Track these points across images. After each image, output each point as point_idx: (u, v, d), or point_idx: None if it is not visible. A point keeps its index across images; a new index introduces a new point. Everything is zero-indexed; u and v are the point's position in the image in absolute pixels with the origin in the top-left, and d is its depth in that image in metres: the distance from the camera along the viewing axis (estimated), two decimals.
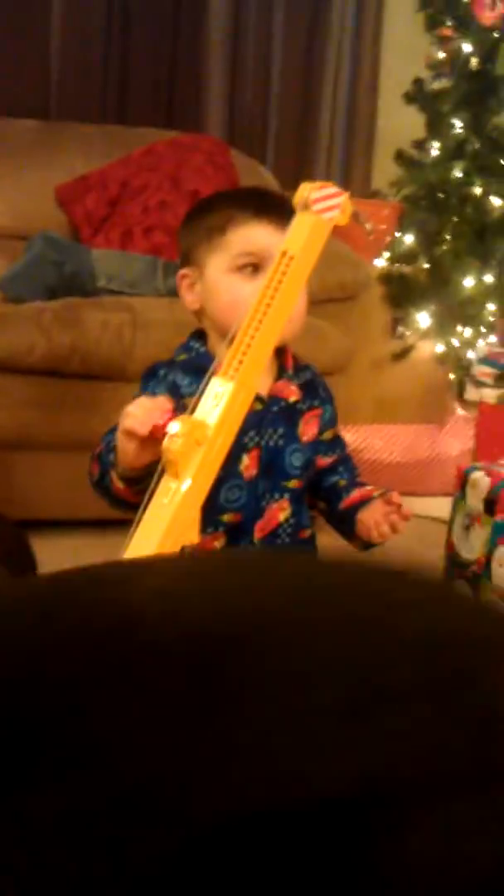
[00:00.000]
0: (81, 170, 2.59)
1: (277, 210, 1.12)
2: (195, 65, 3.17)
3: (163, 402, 0.98)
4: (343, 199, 0.95)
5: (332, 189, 0.95)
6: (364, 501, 1.21)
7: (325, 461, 1.27)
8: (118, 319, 1.98)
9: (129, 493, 1.08)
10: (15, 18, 2.93)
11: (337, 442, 1.30)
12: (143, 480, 0.96)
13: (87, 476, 1.93)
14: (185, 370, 1.18)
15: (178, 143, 2.62)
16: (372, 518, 1.18)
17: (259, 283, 1.08)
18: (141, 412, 0.97)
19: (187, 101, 3.17)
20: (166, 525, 0.87)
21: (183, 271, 1.21)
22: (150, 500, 0.89)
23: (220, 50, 3.18)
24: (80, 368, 1.95)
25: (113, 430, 1.15)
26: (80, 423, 1.97)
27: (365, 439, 2.22)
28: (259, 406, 1.18)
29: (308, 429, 1.23)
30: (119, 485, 1.07)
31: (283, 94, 3.29)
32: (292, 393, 1.22)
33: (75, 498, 2.00)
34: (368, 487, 1.24)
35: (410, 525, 1.19)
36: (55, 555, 1.36)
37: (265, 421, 1.19)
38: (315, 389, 1.26)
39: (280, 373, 1.23)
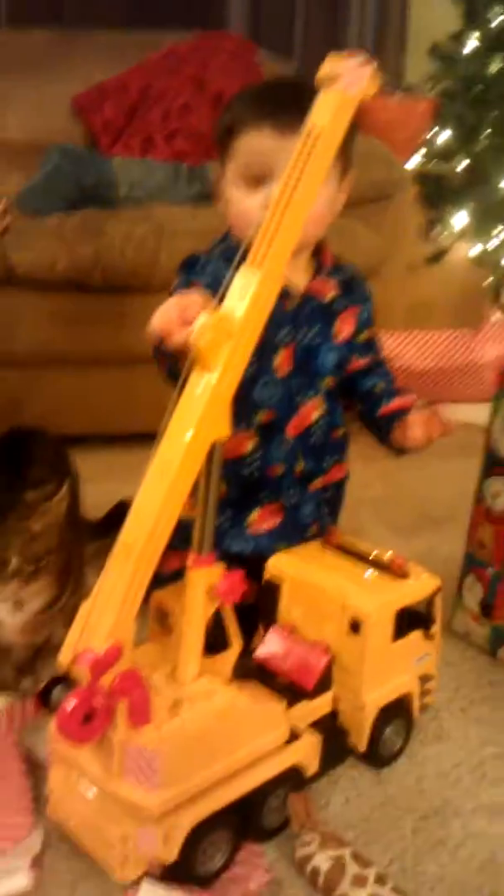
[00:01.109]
0: (99, 78, 2.49)
1: (289, 111, 1.03)
2: None
3: (190, 301, 0.95)
4: (370, 69, 0.90)
5: (359, 59, 0.89)
6: (404, 410, 1.19)
7: (360, 362, 1.24)
8: (141, 230, 1.94)
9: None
10: None
11: (372, 344, 1.27)
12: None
13: (112, 389, 1.92)
14: (226, 259, 1.13)
15: (201, 43, 2.50)
16: (412, 424, 1.16)
17: (265, 194, 1.04)
18: (160, 315, 0.95)
19: (208, 1, 3.04)
20: (198, 418, 0.86)
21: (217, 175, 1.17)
22: (180, 393, 0.88)
23: None
24: (103, 281, 1.92)
25: None
26: (107, 338, 1.95)
27: (397, 345, 2.17)
28: (295, 303, 1.16)
29: (344, 327, 1.20)
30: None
31: None
32: (329, 290, 1.19)
33: (104, 413, 2.00)
34: (410, 396, 1.22)
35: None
36: (91, 469, 1.37)
37: (300, 318, 1.16)
38: (353, 288, 1.22)
39: (318, 270, 1.19)
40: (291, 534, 1.19)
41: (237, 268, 0.92)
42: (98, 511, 1.39)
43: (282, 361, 1.16)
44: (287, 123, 1.03)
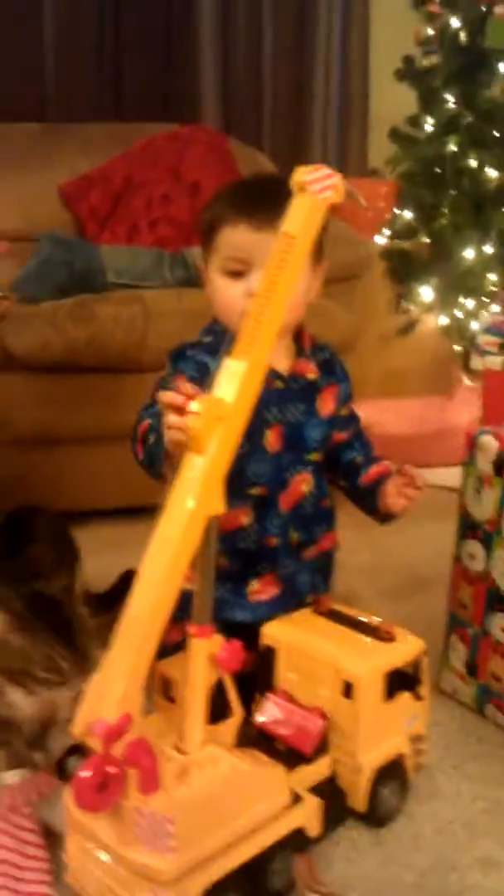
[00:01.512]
0: (83, 168, 2.63)
1: (263, 209, 1.14)
2: (188, 57, 3.20)
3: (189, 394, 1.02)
4: (336, 179, 1.00)
5: (325, 171, 0.99)
6: (382, 477, 1.28)
7: (341, 436, 1.33)
8: (130, 312, 2.03)
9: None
10: (6, 21, 2.97)
11: (352, 417, 1.36)
12: None
13: (108, 465, 1.98)
14: (210, 352, 1.23)
15: (177, 135, 2.66)
16: (389, 492, 1.25)
17: (245, 284, 1.16)
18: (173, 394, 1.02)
19: (182, 93, 3.21)
20: (194, 497, 0.92)
21: (201, 262, 1.27)
22: (177, 477, 0.95)
23: (211, 41, 3.21)
24: (96, 362, 2.01)
25: (147, 408, 1.21)
26: (101, 416, 2.03)
27: (375, 413, 2.26)
28: (280, 384, 1.24)
29: (326, 405, 1.29)
30: (171, 473, 1.12)
31: (275, 80, 3.32)
32: (311, 371, 1.28)
33: (101, 489, 2.07)
34: (385, 463, 1.31)
35: (426, 496, 1.25)
36: (92, 542, 1.43)
37: (286, 398, 1.25)
38: (332, 368, 1.32)
39: (299, 353, 1.28)
40: (289, 603, 1.25)
41: (226, 354, 0.99)
42: (99, 583, 1.44)
43: (272, 439, 1.24)
44: (261, 220, 1.15)
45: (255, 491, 1.24)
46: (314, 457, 1.29)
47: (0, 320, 1.99)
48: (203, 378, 1.16)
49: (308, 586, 1.31)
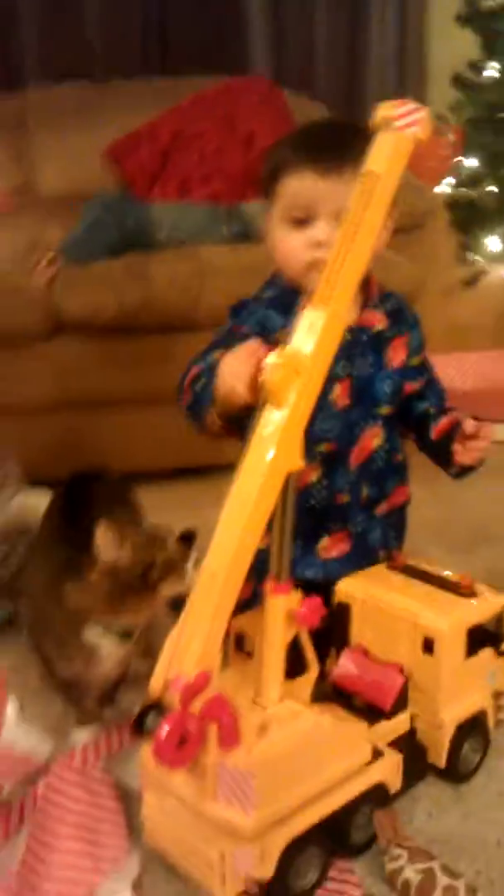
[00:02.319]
0: (130, 127, 2.59)
1: (329, 155, 1.11)
2: (236, 7, 3.11)
3: (253, 348, 1.00)
4: (423, 113, 0.94)
5: (411, 105, 0.94)
6: (454, 428, 1.23)
7: (413, 386, 1.28)
8: (184, 271, 2.01)
9: (226, 429, 1.11)
10: None
11: (424, 367, 1.31)
12: (243, 419, 0.99)
13: (165, 426, 1.98)
14: (273, 306, 1.20)
15: (229, 87, 2.59)
16: (457, 449, 1.21)
17: (309, 234, 1.12)
18: (234, 367, 1.00)
19: (231, 45, 3.13)
20: (272, 453, 0.90)
21: (261, 215, 1.23)
22: (254, 430, 0.92)
23: None
24: (150, 323, 1.99)
25: (204, 354, 1.18)
26: (157, 377, 2.01)
27: (438, 368, 2.21)
28: (347, 336, 1.20)
29: (396, 355, 1.24)
30: (217, 422, 1.10)
31: (327, 27, 3.22)
32: (379, 321, 1.23)
33: (158, 450, 2.06)
34: (456, 414, 1.26)
35: (495, 452, 1.21)
36: (152, 503, 1.42)
37: (354, 350, 1.20)
38: (401, 316, 1.26)
39: (366, 302, 1.24)
40: (361, 559, 1.22)
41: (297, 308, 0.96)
42: None
43: (339, 394, 1.21)
44: (326, 167, 1.11)
45: (322, 447, 1.21)
46: (385, 410, 1.25)
47: (49, 285, 1.98)
48: (264, 334, 1.14)
49: (380, 542, 1.28)
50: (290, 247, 1.16)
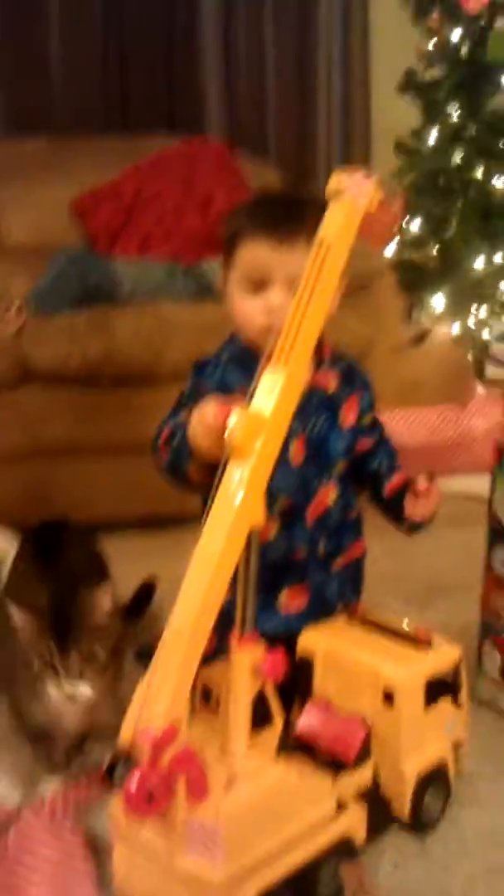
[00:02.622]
0: (93, 182, 2.64)
1: (284, 224, 1.17)
2: (192, 70, 3.23)
3: (214, 410, 1.04)
4: (371, 185, 1.00)
5: (360, 176, 1.00)
6: (406, 485, 1.26)
7: (365, 444, 1.32)
8: (147, 326, 2.04)
9: (205, 477, 1.14)
10: (11, 36, 3.00)
11: (375, 425, 1.35)
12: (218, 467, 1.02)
13: (129, 476, 1.99)
14: (232, 364, 1.24)
15: (187, 149, 2.67)
16: (408, 505, 1.25)
17: (264, 299, 1.17)
18: (201, 426, 1.05)
19: (187, 106, 3.24)
20: (236, 508, 0.93)
21: (220, 277, 1.28)
22: (217, 488, 0.95)
23: (214, 53, 3.24)
24: (113, 376, 2.02)
25: (171, 416, 1.23)
26: (121, 428, 2.03)
27: (389, 424, 2.26)
28: (302, 396, 1.24)
29: (348, 415, 1.28)
30: (196, 473, 1.14)
31: (278, 93, 3.35)
32: (332, 382, 1.28)
33: (122, 499, 2.06)
34: (406, 472, 1.30)
35: (447, 504, 1.25)
36: (112, 554, 1.43)
37: (308, 409, 1.24)
38: (352, 377, 1.31)
39: (318, 364, 1.28)
40: (319, 613, 1.25)
41: (255, 369, 1.00)
42: (123, 592, 1.44)
43: (295, 451, 1.24)
44: (280, 238, 1.17)
45: (280, 503, 1.24)
46: (339, 467, 1.28)
47: (18, 334, 2.00)
48: (225, 391, 1.17)
49: (337, 596, 1.30)
50: (247, 311, 1.21)
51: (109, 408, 2.02)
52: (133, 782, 0.85)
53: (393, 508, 1.29)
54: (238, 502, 0.93)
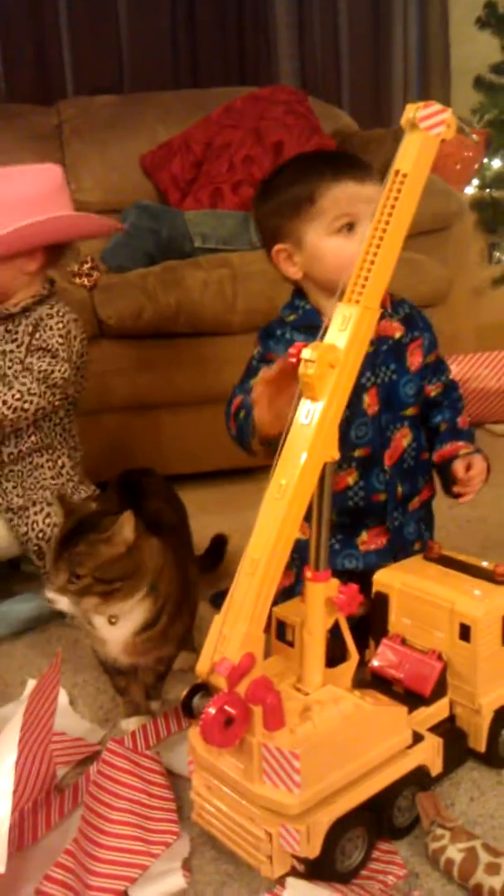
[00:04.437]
0: (163, 137, 2.65)
1: (352, 164, 1.19)
2: (262, 19, 3.17)
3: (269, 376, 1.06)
4: (448, 114, 0.98)
5: (436, 106, 0.97)
6: (453, 457, 1.28)
7: (431, 388, 1.34)
8: (218, 276, 2.05)
9: (269, 454, 1.16)
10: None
11: (440, 365, 1.36)
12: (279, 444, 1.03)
13: (203, 429, 2.02)
14: (297, 329, 1.26)
15: (256, 97, 2.64)
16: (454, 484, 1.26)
17: (360, 237, 1.16)
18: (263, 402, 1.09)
19: (258, 56, 3.19)
20: (310, 443, 0.93)
21: (277, 247, 1.27)
22: (291, 423, 0.95)
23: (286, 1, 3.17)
24: (187, 327, 2.03)
25: (242, 382, 1.26)
26: (195, 380, 2.06)
27: (469, 368, 2.23)
28: (370, 347, 1.23)
29: (414, 359, 1.31)
30: (261, 449, 1.17)
31: (352, 35, 3.27)
32: (396, 329, 1.29)
33: (196, 452, 2.10)
34: (459, 443, 1.30)
35: None
36: (187, 506, 1.46)
37: (377, 360, 1.26)
38: (414, 321, 1.32)
39: (382, 313, 1.27)
40: (398, 552, 1.27)
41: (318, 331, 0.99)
42: (196, 545, 1.47)
43: (369, 402, 1.26)
44: (362, 175, 1.19)
45: (358, 452, 1.26)
46: (410, 411, 1.30)
47: (91, 289, 2.03)
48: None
49: (415, 535, 1.32)
50: (346, 254, 1.18)
51: (183, 360, 2.04)
52: (210, 710, 0.87)
53: (440, 473, 1.31)
54: (312, 438, 0.93)
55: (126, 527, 1.08)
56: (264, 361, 1.26)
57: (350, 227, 1.20)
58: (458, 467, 1.25)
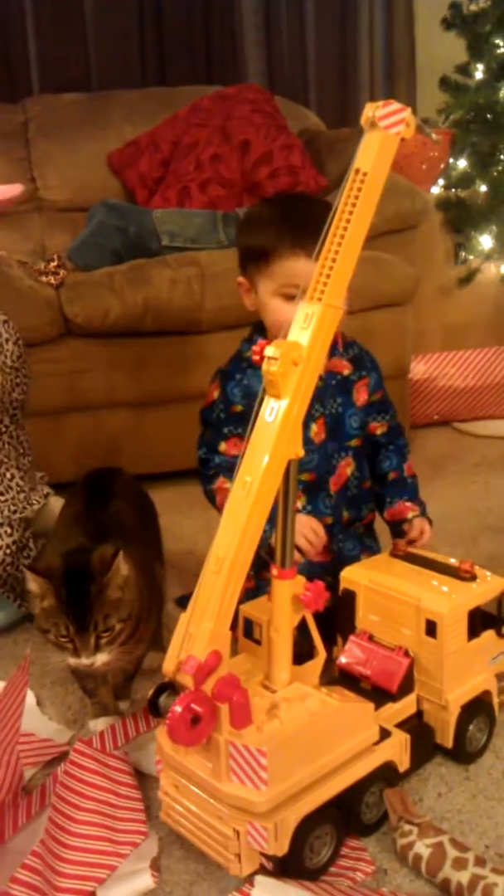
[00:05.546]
0: (130, 135, 2.64)
1: (314, 238, 1.15)
2: (229, 18, 3.16)
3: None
4: (407, 113, 0.98)
5: (395, 105, 0.98)
6: (402, 520, 1.37)
7: (376, 426, 1.42)
8: (186, 274, 2.04)
9: None
10: None
11: (384, 405, 1.43)
12: None
13: (172, 427, 2.01)
14: (255, 367, 1.31)
15: (223, 95, 2.64)
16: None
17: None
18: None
19: (225, 55, 3.18)
20: (273, 440, 0.93)
21: (239, 279, 1.35)
22: (255, 420, 0.95)
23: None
24: (154, 326, 2.02)
25: (211, 435, 1.36)
26: (163, 380, 2.05)
27: (437, 367, 2.24)
28: (320, 382, 1.25)
29: (360, 395, 1.40)
30: None
31: (319, 35, 3.27)
32: (345, 367, 1.38)
33: (164, 451, 2.09)
34: (407, 504, 1.38)
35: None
36: (161, 505, 1.45)
37: (326, 393, 1.36)
38: (362, 361, 1.41)
39: (332, 351, 1.36)
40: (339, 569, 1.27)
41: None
42: (166, 542, 1.47)
43: (317, 430, 1.36)
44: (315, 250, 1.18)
45: (305, 476, 1.34)
46: (354, 443, 1.39)
47: (57, 288, 2.02)
48: (249, 402, 1.21)
49: (358, 550, 1.39)
50: (285, 316, 1.19)
51: (152, 359, 2.03)
52: (176, 708, 0.87)
53: (391, 528, 1.40)
54: (276, 433, 0.93)
55: (121, 566, 1.09)
56: (228, 413, 1.35)
57: (293, 295, 1.20)
58: (413, 533, 1.33)
